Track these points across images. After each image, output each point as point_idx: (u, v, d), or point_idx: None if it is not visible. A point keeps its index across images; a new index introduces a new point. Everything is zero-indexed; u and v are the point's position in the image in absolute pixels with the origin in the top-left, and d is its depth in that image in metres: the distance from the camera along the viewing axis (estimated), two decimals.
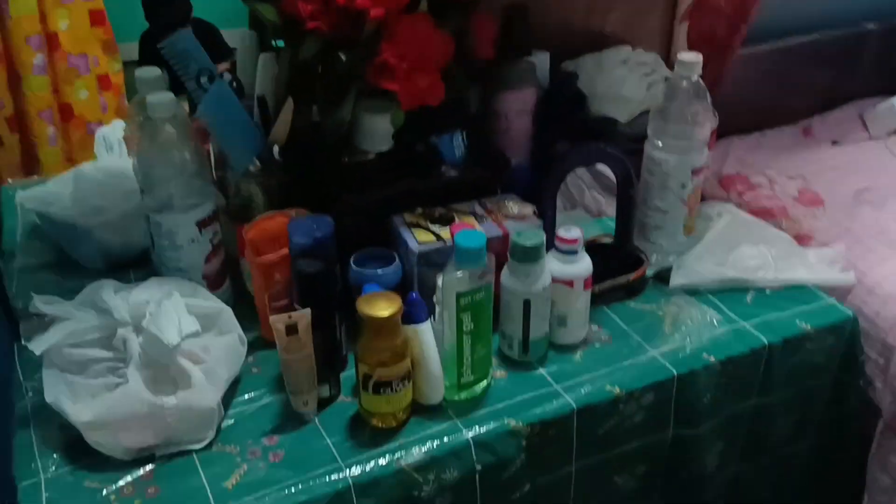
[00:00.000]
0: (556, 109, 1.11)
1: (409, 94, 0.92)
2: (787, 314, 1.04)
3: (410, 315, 0.85)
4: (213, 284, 1.01)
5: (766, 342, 0.99)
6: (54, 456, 0.83)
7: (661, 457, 0.99)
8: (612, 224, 1.13)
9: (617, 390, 0.92)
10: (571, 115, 1.12)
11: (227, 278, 1.04)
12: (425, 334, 0.86)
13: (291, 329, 0.82)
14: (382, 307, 0.81)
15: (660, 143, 1.06)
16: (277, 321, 0.82)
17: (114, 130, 1.22)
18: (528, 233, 0.90)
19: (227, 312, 0.93)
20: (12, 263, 1.16)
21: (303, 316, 0.83)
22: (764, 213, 1.25)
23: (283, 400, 0.90)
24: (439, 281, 0.87)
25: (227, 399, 0.90)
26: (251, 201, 1.01)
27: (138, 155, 0.95)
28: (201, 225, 0.97)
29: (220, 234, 1.01)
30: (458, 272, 0.83)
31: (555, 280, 0.93)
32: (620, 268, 1.09)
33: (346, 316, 0.94)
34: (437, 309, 0.89)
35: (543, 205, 1.01)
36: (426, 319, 0.86)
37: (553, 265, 0.94)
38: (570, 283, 0.94)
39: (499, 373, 0.95)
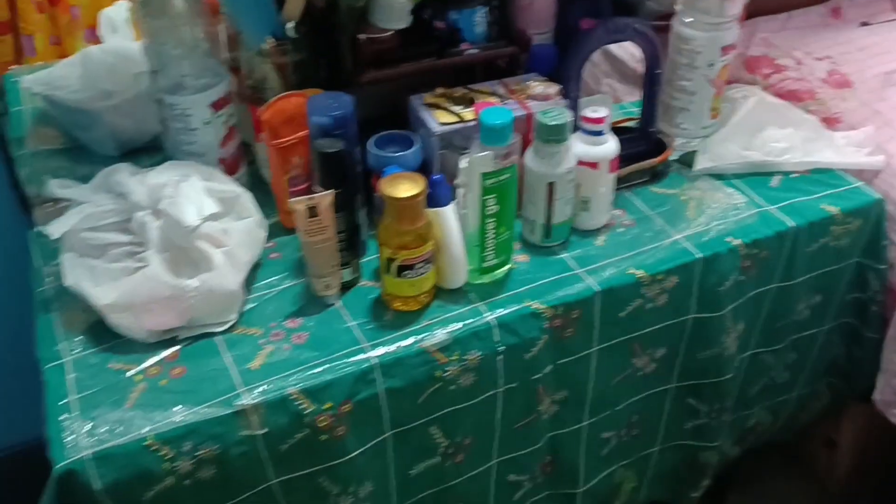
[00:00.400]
0: None
1: None
2: (813, 198, 1.02)
3: (434, 197, 0.83)
4: (229, 169, 0.99)
5: (791, 225, 0.98)
6: (77, 339, 0.83)
7: (680, 339, 0.99)
8: (633, 109, 1.10)
9: (640, 273, 0.91)
10: None
11: (244, 163, 1.02)
12: (449, 217, 0.84)
13: (313, 211, 0.81)
14: (406, 188, 0.79)
15: (688, 19, 1.02)
16: (298, 202, 0.80)
17: (118, 11, 1.17)
18: (553, 111, 0.87)
19: (246, 196, 0.91)
20: (22, 150, 1.14)
21: (324, 197, 0.81)
22: (790, 96, 1.21)
23: (305, 284, 0.89)
24: (462, 163, 0.85)
25: (248, 283, 0.89)
26: (265, 82, 0.98)
27: (148, 32, 0.92)
28: (215, 106, 0.94)
29: (234, 117, 0.98)
30: (484, 151, 0.81)
31: (580, 163, 0.91)
32: (644, 152, 1.06)
33: (366, 200, 0.93)
34: (460, 192, 0.87)
35: (568, 84, 0.98)
36: (451, 201, 0.84)
37: (578, 146, 0.92)
38: (594, 166, 0.92)
39: (521, 257, 0.94)
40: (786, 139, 1.07)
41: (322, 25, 0.96)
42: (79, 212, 0.86)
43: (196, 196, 0.82)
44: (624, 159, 1.03)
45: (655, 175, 1.06)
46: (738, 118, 1.09)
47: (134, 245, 0.87)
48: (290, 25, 0.94)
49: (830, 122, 1.16)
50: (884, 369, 1.12)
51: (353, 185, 0.86)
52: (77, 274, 0.84)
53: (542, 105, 0.94)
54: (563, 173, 0.89)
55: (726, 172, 1.06)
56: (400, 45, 0.98)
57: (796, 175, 1.06)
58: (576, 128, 0.92)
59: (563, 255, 0.94)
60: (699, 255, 0.93)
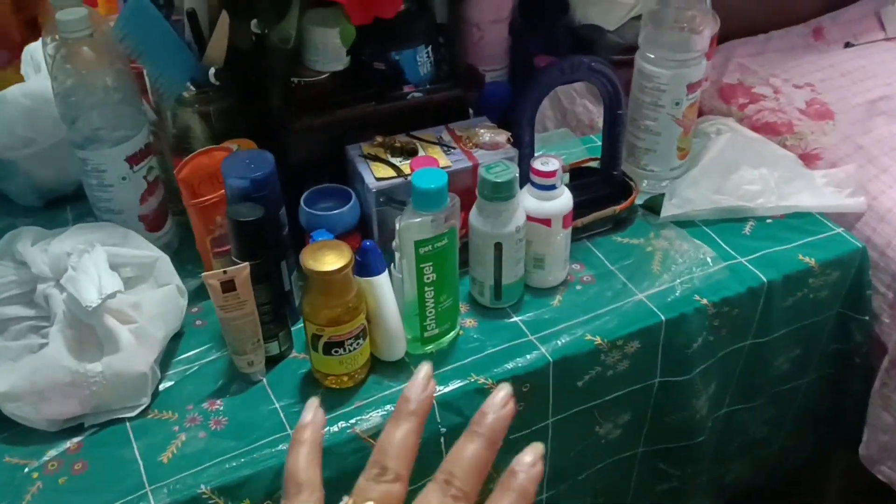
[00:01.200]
0: (535, 17, 0.97)
1: (357, 4, 0.79)
2: (789, 247, 0.94)
3: (364, 266, 0.75)
4: (151, 226, 0.91)
5: (765, 280, 0.90)
6: None
7: (646, 404, 0.91)
8: (599, 145, 1.01)
9: (598, 340, 0.83)
10: (552, 24, 0.98)
11: (170, 218, 0.94)
12: (381, 287, 0.76)
13: (228, 285, 0.73)
14: (330, 260, 0.71)
15: (651, 55, 0.94)
16: (210, 277, 0.72)
17: (42, 48, 1.08)
18: (498, 166, 0.79)
19: (163, 261, 0.83)
20: None
21: (240, 270, 0.73)
22: (767, 129, 1.13)
23: (231, 357, 0.81)
24: (397, 226, 0.77)
25: (167, 358, 0.81)
26: (189, 132, 0.89)
27: (55, 81, 0.83)
28: (133, 160, 0.86)
29: (156, 170, 0.90)
30: (417, 217, 0.73)
31: (530, 219, 0.83)
32: (607, 197, 0.98)
33: (298, 262, 0.84)
34: (397, 255, 0.79)
35: (519, 130, 0.90)
36: (383, 270, 0.76)
37: (528, 202, 0.84)
38: (547, 222, 0.84)
39: (469, 321, 0.85)
40: (760, 181, 0.99)
41: (248, 69, 0.88)
42: None
43: (97, 270, 0.74)
44: (586, 204, 0.95)
45: (619, 222, 0.98)
46: (709, 157, 1.01)
47: (39, 319, 0.79)
48: (212, 71, 0.85)
49: (809, 158, 1.08)
50: (869, 423, 1.04)
51: (276, 252, 0.78)
52: None
53: (490, 155, 0.86)
54: (512, 232, 0.81)
55: (696, 219, 0.98)
56: (336, 88, 0.89)
57: (771, 220, 0.98)
58: (527, 179, 0.84)
59: (515, 319, 0.85)
60: (663, 317, 0.85)
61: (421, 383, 0.44)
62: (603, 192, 0.99)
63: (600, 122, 1.16)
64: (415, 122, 0.91)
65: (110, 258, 0.79)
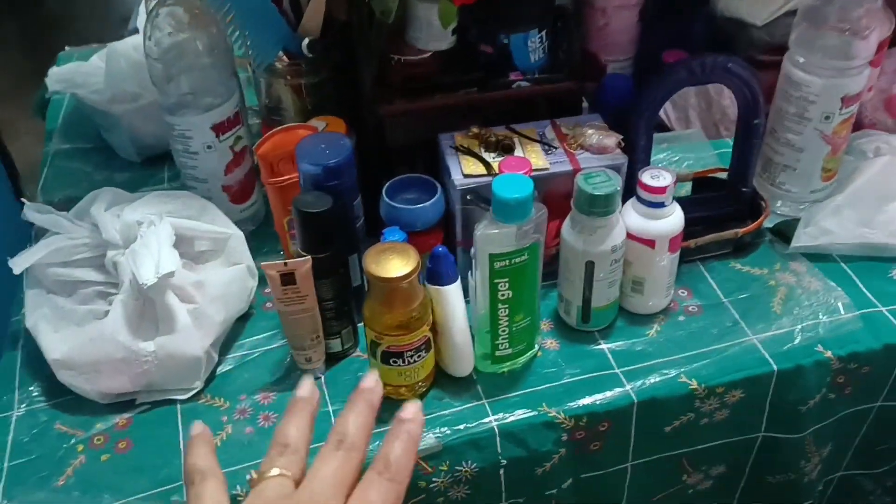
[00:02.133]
0: (669, 5, 0.86)
1: None
2: None
3: (435, 274, 0.68)
4: (235, 197, 0.87)
5: None
6: (33, 387, 0.75)
7: (745, 459, 0.80)
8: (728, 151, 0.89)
9: (694, 384, 0.73)
10: (689, 14, 0.86)
11: (256, 190, 0.90)
12: (452, 297, 0.69)
13: (288, 278, 0.68)
14: (394, 265, 0.65)
15: (802, 59, 0.80)
16: (270, 268, 0.67)
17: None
18: (599, 175, 0.70)
19: (237, 238, 0.79)
20: (49, 146, 1.07)
21: (301, 264, 0.68)
22: None
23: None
24: (475, 232, 0.69)
25: (230, 340, 0.78)
26: (280, 103, 0.85)
27: (148, 40, 0.80)
28: (219, 129, 0.83)
29: (244, 140, 0.86)
30: (495, 228, 0.65)
31: (631, 237, 0.73)
32: (731, 215, 0.86)
33: None
34: (475, 263, 0.71)
35: (635, 133, 0.79)
36: (455, 279, 0.69)
37: (631, 218, 0.74)
38: (651, 243, 0.74)
39: (550, 341, 0.77)
40: None
41: (345, 43, 0.82)
42: (48, 244, 0.76)
43: (159, 246, 0.71)
44: (705, 221, 0.84)
45: (741, 246, 0.86)
46: (860, 182, 0.87)
47: (108, 285, 0.77)
48: (305, 42, 0.80)
49: None
50: None
51: (344, 245, 0.72)
52: (38, 315, 0.75)
53: (594, 160, 0.76)
54: (607, 252, 0.72)
55: (833, 253, 0.84)
56: (437, 70, 0.82)
57: None
58: (632, 192, 0.74)
59: (603, 346, 0.76)
60: (776, 367, 0.74)
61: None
62: (727, 209, 0.87)
63: (728, 132, 1.03)
64: (520, 113, 0.82)
65: (181, 231, 0.76)
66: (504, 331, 0.71)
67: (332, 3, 0.78)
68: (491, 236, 0.65)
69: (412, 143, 0.83)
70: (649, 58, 0.88)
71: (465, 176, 0.75)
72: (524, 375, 0.74)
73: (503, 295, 0.68)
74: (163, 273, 0.69)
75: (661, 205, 0.73)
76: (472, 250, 0.71)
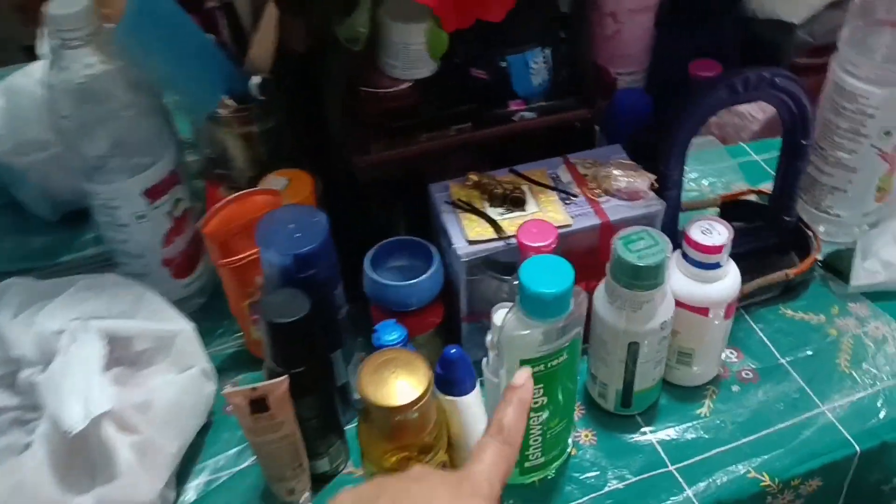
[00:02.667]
0: (692, 6, 0.71)
1: (451, 6, 0.55)
2: None
3: (448, 383, 0.53)
4: (179, 271, 0.71)
5: None
6: None
7: None
8: (756, 159, 0.76)
9: (766, 479, 0.60)
10: (717, 16, 0.72)
11: (203, 259, 0.74)
12: (470, 408, 0.55)
13: (258, 405, 0.52)
14: (400, 387, 0.50)
15: (857, 65, 0.67)
16: (235, 395, 0.52)
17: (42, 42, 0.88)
18: (641, 237, 0.55)
19: (185, 335, 0.63)
20: None
21: (275, 386, 0.52)
22: None
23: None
24: (495, 318, 0.55)
25: (188, 461, 0.62)
26: (226, 154, 0.68)
27: (50, 90, 0.63)
28: (152, 194, 0.66)
29: (185, 202, 0.70)
30: (526, 329, 0.50)
31: (680, 304, 0.60)
32: (773, 248, 0.74)
33: (360, 342, 0.64)
34: (492, 354, 0.57)
35: (666, 167, 0.65)
36: (473, 386, 0.54)
37: (678, 281, 0.60)
38: (703, 311, 0.60)
39: (585, 433, 0.63)
40: None
41: (303, 79, 0.66)
42: None
43: (87, 374, 0.55)
44: (740, 259, 0.71)
45: (789, 287, 0.73)
46: None
47: (25, 409, 0.61)
48: (255, 81, 0.63)
49: None
50: None
51: (326, 351, 0.57)
52: None
53: (625, 209, 0.62)
54: (655, 330, 0.58)
55: None
56: (419, 103, 0.67)
57: None
58: (673, 239, 0.60)
59: (649, 436, 0.63)
60: (858, 448, 0.61)
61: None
62: (767, 242, 0.74)
63: (745, 132, 0.90)
64: (523, 150, 0.68)
65: (115, 332, 0.60)
66: (536, 440, 0.57)
67: (286, 32, 0.62)
68: (522, 339, 0.50)
69: (394, 196, 0.68)
70: (667, 69, 0.73)
71: (470, 242, 0.60)
72: (559, 486, 0.60)
73: (536, 402, 0.54)
74: (95, 414, 0.52)
75: (715, 266, 0.59)
76: (489, 339, 0.56)
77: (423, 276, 0.61)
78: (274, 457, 0.56)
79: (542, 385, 0.53)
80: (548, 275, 0.49)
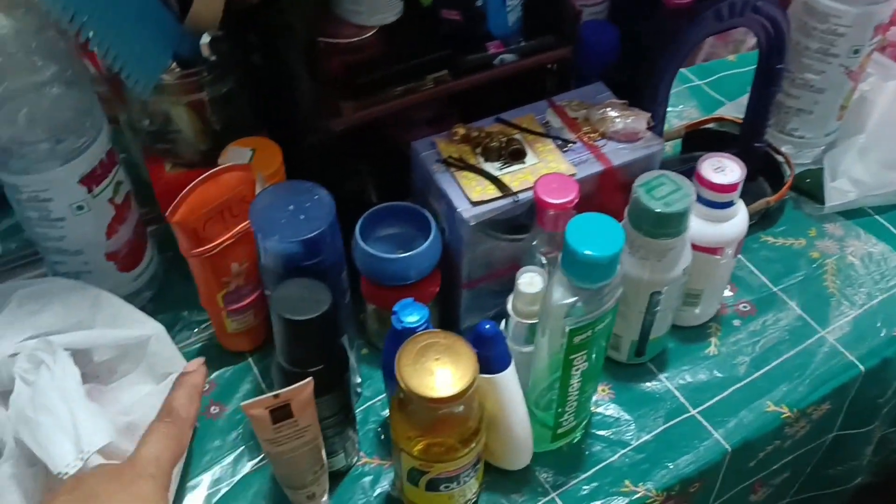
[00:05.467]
0: None
1: None
2: None
3: (482, 360, 0.49)
4: (125, 264, 0.62)
5: None
6: None
7: (811, 460, 0.70)
8: (705, 90, 0.75)
9: (786, 411, 0.60)
10: None
11: (149, 246, 0.65)
12: (507, 386, 0.50)
13: (281, 413, 0.46)
14: (445, 376, 0.45)
15: None
16: (254, 406, 0.45)
17: None
18: (662, 182, 0.53)
19: (158, 338, 0.55)
20: None
21: (300, 391, 0.46)
22: None
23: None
24: (525, 284, 0.51)
25: (181, 479, 0.55)
26: (170, 127, 0.59)
27: None
28: (91, 180, 0.56)
29: (125, 183, 0.60)
30: (572, 296, 0.47)
31: (694, 247, 0.57)
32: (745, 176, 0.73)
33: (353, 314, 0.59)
34: (512, 321, 0.53)
35: (653, 101, 0.63)
36: (509, 361, 0.50)
37: (692, 223, 0.58)
38: (716, 251, 0.59)
39: (602, 388, 0.61)
40: None
41: (257, 30, 0.57)
42: None
43: (69, 404, 0.46)
44: None
45: (765, 215, 0.73)
46: (879, 116, 0.75)
47: None
48: (204, 40, 0.55)
49: None
50: None
51: (343, 352, 0.51)
52: None
53: (626, 152, 0.59)
54: (678, 277, 0.55)
55: (865, 206, 0.73)
56: (387, 52, 0.60)
57: None
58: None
59: (666, 383, 0.61)
60: (862, 367, 0.62)
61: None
62: None
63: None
64: (505, 96, 0.62)
65: (78, 346, 0.51)
66: (572, 406, 0.54)
67: None
68: (572, 307, 0.46)
69: (371, 159, 0.61)
70: None
71: (474, 203, 0.55)
72: (588, 446, 0.58)
73: (577, 369, 0.51)
74: (91, 452, 0.45)
75: (729, 204, 0.57)
76: (510, 305, 0.52)
77: (423, 246, 0.56)
78: (295, 464, 0.50)
79: (584, 351, 0.49)
80: (595, 236, 0.45)
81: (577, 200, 0.51)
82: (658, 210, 0.52)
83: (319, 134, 0.58)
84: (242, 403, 0.45)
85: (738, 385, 0.61)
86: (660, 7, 0.65)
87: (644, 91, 0.62)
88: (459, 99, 0.63)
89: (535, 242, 0.54)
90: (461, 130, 0.59)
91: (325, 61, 0.59)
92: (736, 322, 0.65)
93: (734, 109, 0.80)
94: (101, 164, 0.57)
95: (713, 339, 0.64)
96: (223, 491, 0.55)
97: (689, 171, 0.58)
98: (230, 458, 0.57)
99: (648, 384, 0.61)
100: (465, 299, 0.61)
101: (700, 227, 0.58)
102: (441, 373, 0.45)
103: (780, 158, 0.73)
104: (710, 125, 0.77)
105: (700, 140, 0.76)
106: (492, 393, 0.50)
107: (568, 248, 0.45)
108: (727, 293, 0.67)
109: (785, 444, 0.63)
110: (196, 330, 0.64)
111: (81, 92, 0.55)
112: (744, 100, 0.71)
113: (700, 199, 0.57)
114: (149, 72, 0.54)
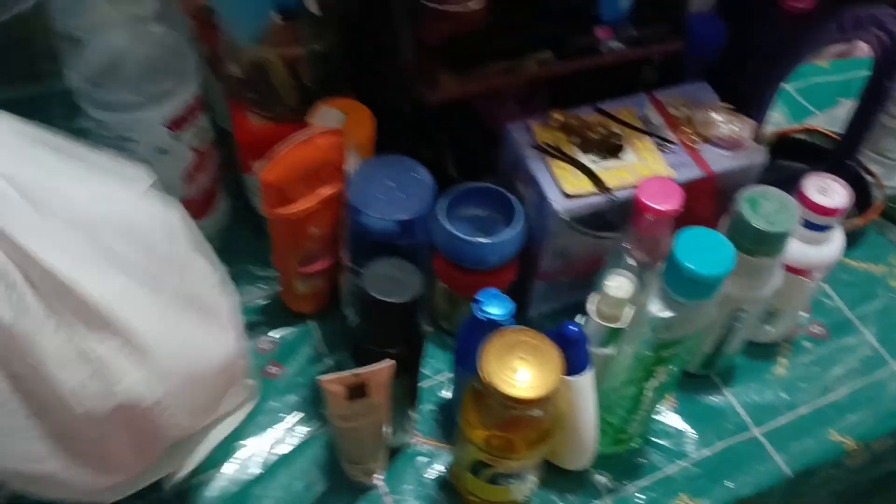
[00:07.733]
0: None
1: None
2: None
3: (566, 362, 0.48)
4: (198, 211, 0.61)
5: None
6: None
7: (858, 492, 0.69)
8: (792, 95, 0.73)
9: (849, 442, 0.59)
10: None
11: (220, 197, 0.64)
12: (584, 389, 0.49)
13: (357, 391, 0.45)
14: (529, 376, 0.44)
15: None
16: (333, 382, 0.45)
17: None
18: (768, 199, 0.51)
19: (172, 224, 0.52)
20: None
21: (379, 371, 0.45)
22: None
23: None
24: (613, 288, 0.49)
25: (235, 438, 0.55)
26: (263, 79, 0.57)
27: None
28: (176, 124, 0.55)
29: (209, 131, 0.59)
30: (670, 311, 0.45)
31: (787, 267, 0.56)
32: None
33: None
34: (591, 323, 0.52)
35: (759, 110, 0.60)
36: (587, 365, 0.49)
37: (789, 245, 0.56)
38: (807, 274, 0.57)
39: (665, 397, 0.60)
40: None
41: None
42: None
43: None
44: None
45: (847, 236, 0.70)
46: None
47: None
48: None
49: None
50: None
51: (420, 333, 0.50)
52: None
53: (728, 159, 0.57)
54: (763, 297, 0.54)
55: None
56: (491, 26, 0.57)
57: None
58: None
59: (730, 398, 0.60)
60: None
61: None
62: None
63: None
64: (597, 83, 0.60)
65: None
66: (643, 414, 0.53)
67: None
68: (668, 322, 0.45)
69: (455, 131, 0.60)
70: None
71: (568, 196, 0.54)
72: (647, 454, 0.57)
73: (656, 381, 0.49)
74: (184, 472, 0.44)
75: (828, 227, 0.55)
76: (591, 306, 0.51)
77: (510, 233, 0.54)
78: (360, 440, 0.49)
79: (668, 365, 0.48)
80: (704, 252, 0.44)
81: (681, 209, 0.50)
82: (760, 227, 0.50)
83: (412, 103, 0.57)
84: (321, 378, 0.44)
85: (803, 409, 0.60)
86: (777, 11, 0.62)
87: (751, 98, 0.60)
88: (552, 80, 0.61)
89: (624, 243, 0.52)
90: (559, 117, 0.57)
91: (429, 27, 0.56)
92: (807, 344, 0.64)
93: (825, 121, 0.77)
94: (188, 108, 0.55)
95: (782, 360, 0.63)
96: (278, 453, 0.55)
97: (777, 182, 0.56)
98: (286, 422, 0.56)
99: (713, 398, 0.60)
100: (537, 289, 0.60)
101: (796, 247, 0.56)
102: (524, 372, 0.44)
103: (870, 179, 0.71)
104: (801, 135, 0.75)
105: (788, 149, 0.74)
106: (566, 393, 0.49)
107: (674, 261, 0.44)
108: (803, 315, 0.65)
109: (839, 473, 0.62)
110: (260, 285, 0.63)
111: (178, 32, 0.53)
112: (836, 111, 0.68)
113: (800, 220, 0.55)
114: (251, 17, 0.52)
